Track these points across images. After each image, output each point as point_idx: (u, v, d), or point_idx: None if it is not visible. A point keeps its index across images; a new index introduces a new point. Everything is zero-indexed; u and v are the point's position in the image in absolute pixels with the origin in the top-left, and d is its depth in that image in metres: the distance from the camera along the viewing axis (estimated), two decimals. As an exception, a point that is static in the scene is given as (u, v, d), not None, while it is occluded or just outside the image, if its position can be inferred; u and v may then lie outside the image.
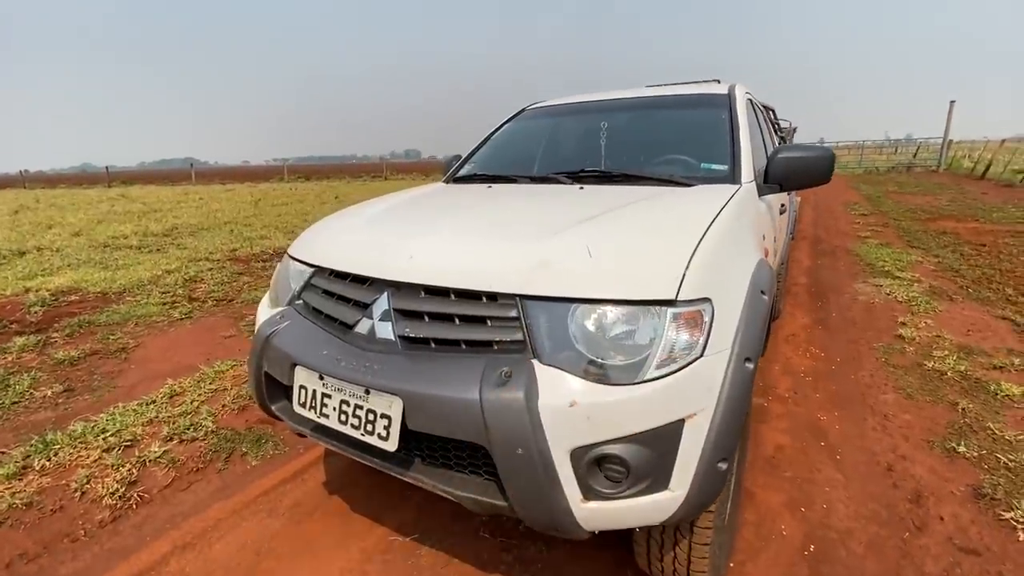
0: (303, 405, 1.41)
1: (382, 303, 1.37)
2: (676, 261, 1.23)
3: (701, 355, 1.16)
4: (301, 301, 1.66)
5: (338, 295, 1.51)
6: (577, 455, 1.12)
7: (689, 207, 1.60)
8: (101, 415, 2.77)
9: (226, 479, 2.31)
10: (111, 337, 4.13)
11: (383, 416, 1.25)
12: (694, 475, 1.16)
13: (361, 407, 1.29)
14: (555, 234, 1.39)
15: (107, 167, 33.76)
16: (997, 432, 2.42)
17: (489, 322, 1.26)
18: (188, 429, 2.58)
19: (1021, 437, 2.37)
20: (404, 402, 1.21)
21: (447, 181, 2.66)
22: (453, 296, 1.31)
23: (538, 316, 1.21)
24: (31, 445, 2.48)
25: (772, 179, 2.05)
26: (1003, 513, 1.91)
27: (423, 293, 1.35)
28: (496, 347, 1.24)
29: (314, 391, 1.38)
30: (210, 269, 6.52)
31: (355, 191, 19.55)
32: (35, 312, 4.79)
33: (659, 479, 1.15)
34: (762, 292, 1.39)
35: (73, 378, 3.39)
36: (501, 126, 2.96)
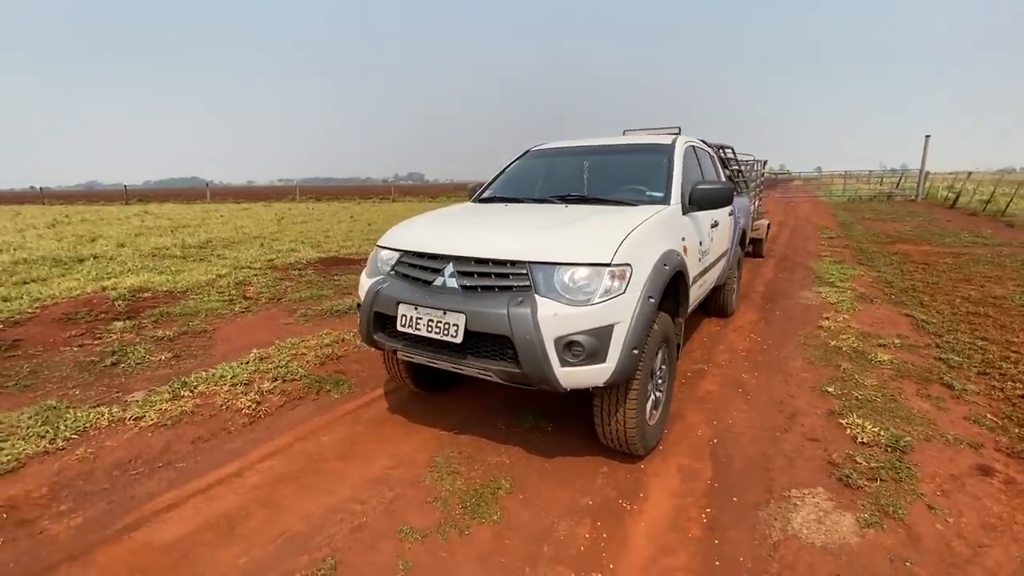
0: (404, 325, 2.43)
1: (449, 269, 2.42)
2: (613, 243, 2.28)
3: (623, 292, 2.20)
4: (393, 272, 2.70)
5: (420, 266, 2.56)
6: (557, 341, 2.14)
7: (629, 217, 2.65)
8: (213, 369, 3.77)
9: (320, 404, 3.31)
10: (191, 323, 5.14)
11: (454, 324, 2.27)
12: (619, 355, 2.18)
13: (441, 320, 2.31)
14: (548, 229, 2.45)
15: (125, 186, 35.27)
16: (859, 381, 3.43)
17: (511, 276, 2.30)
18: (286, 375, 3.59)
19: (874, 383, 3.39)
20: (466, 315, 2.24)
21: (475, 200, 3.73)
22: (491, 263, 2.36)
23: (538, 272, 2.25)
24: (172, 385, 3.48)
25: (692, 202, 3.12)
26: (841, 420, 2.91)
27: (473, 263, 2.39)
28: (514, 289, 2.28)
29: (411, 316, 2.41)
30: (255, 275, 7.55)
31: (367, 212, 20.77)
32: (120, 304, 5.82)
33: (600, 356, 2.17)
34: (665, 265, 2.44)
35: (175, 349, 4.39)
36: (513, 162, 4.05)
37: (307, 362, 3.85)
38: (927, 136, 22.18)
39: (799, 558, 1.92)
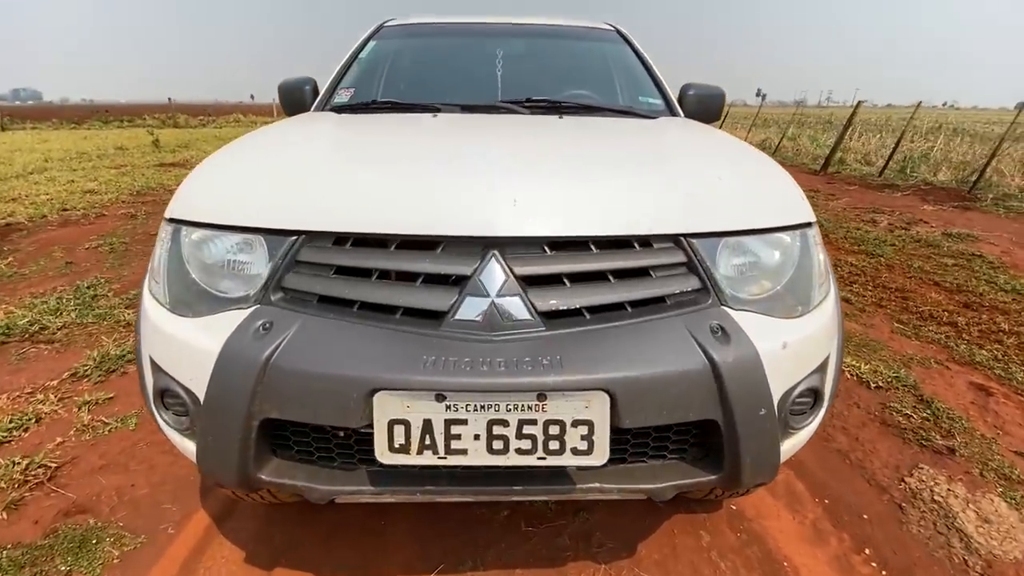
0: (402, 449, 0.87)
1: (494, 272, 0.93)
2: (790, 186, 1.21)
3: (830, 274, 1.20)
4: (285, 294, 1.00)
5: (397, 271, 0.97)
6: (783, 397, 1.03)
7: (718, 139, 1.57)
8: None
9: (57, 626, 1.34)
10: None
11: (577, 423, 0.88)
12: (831, 388, 1.20)
13: (533, 421, 0.87)
14: (661, 165, 1.19)
15: None
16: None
17: (653, 273, 1.00)
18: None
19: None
20: (614, 395, 0.88)
21: (330, 110, 1.95)
22: (594, 248, 0.99)
23: (712, 257, 1.02)
24: None
25: (685, 112, 2.16)
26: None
27: (547, 249, 0.98)
28: (669, 301, 1.01)
29: (426, 422, 0.87)
30: None
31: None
32: None
33: (820, 400, 1.15)
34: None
35: None
36: (364, 44, 2.30)
37: (-36, 514, 1.60)
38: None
39: (1037, 595, 1.45)
